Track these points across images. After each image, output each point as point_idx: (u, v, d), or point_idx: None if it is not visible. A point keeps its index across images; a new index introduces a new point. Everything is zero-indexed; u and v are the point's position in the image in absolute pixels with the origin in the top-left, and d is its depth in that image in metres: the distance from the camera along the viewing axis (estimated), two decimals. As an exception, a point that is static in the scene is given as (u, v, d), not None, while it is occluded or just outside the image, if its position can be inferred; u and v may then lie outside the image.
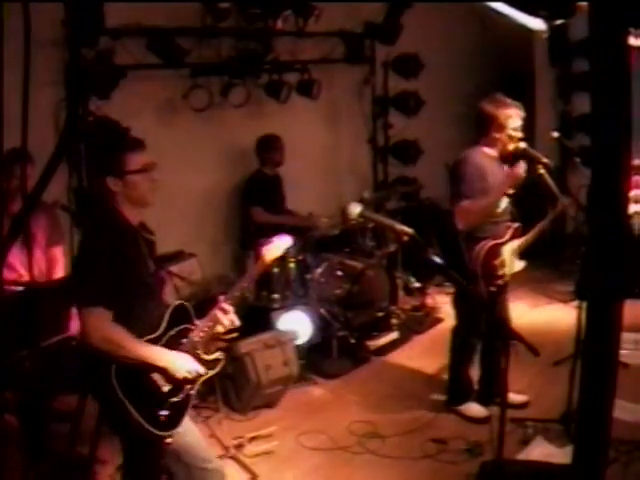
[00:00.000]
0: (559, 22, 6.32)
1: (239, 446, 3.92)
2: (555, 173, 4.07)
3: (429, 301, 6.07)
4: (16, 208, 1.65)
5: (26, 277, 3.57)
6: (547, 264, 6.75)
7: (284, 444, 3.99)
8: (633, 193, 5.28)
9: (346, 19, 6.56)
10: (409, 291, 6.15)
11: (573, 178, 6.34)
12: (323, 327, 5.14)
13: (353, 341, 5.20)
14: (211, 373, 2.78)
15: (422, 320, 5.83)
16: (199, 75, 5.53)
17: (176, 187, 5.20)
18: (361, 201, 2.78)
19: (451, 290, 5.38)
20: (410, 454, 3.83)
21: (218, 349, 2.80)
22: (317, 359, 5.06)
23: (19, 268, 3.64)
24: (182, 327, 2.72)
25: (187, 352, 2.67)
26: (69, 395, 3.81)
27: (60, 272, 4.06)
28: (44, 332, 3.40)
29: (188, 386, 2.67)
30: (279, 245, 2.93)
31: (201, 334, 2.73)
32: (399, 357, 5.25)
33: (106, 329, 2.46)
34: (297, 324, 4.97)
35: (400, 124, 7.08)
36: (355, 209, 2.64)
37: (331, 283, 5.20)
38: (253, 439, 4.01)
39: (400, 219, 3.10)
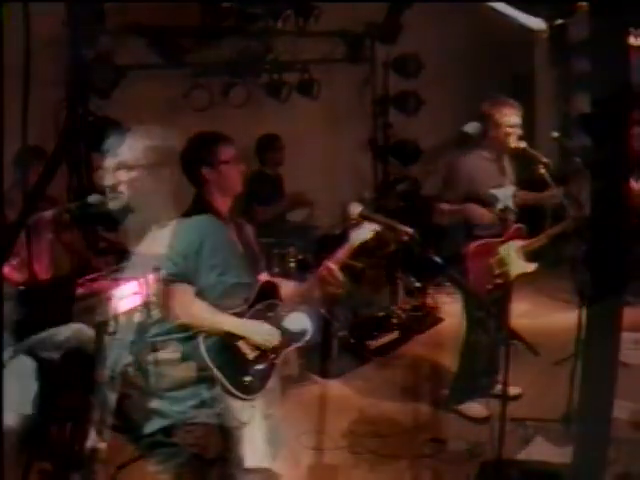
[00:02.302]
0: (559, 22, 6.32)
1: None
2: (555, 173, 4.07)
3: (429, 301, 6.06)
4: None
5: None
6: (547, 264, 6.74)
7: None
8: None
9: (346, 19, 6.56)
10: (409, 291, 6.15)
11: (573, 178, 6.33)
12: (323, 327, 5.13)
13: (353, 341, 5.19)
14: (296, 345, 2.99)
15: (422, 320, 5.82)
16: (199, 75, 5.54)
17: (176, 187, 5.19)
18: (361, 201, 2.77)
19: (452, 290, 5.39)
20: (410, 454, 3.83)
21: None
22: (317, 359, 5.06)
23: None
24: (269, 302, 2.91)
25: (271, 323, 2.85)
26: (69, 395, 3.81)
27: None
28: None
29: (271, 355, 2.85)
30: (365, 229, 2.83)
31: (287, 309, 2.92)
32: (399, 357, 5.25)
33: (189, 304, 2.67)
34: (297, 324, 4.95)
35: (400, 124, 7.08)
36: (355, 209, 2.64)
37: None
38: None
39: (400, 219, 3.08)
